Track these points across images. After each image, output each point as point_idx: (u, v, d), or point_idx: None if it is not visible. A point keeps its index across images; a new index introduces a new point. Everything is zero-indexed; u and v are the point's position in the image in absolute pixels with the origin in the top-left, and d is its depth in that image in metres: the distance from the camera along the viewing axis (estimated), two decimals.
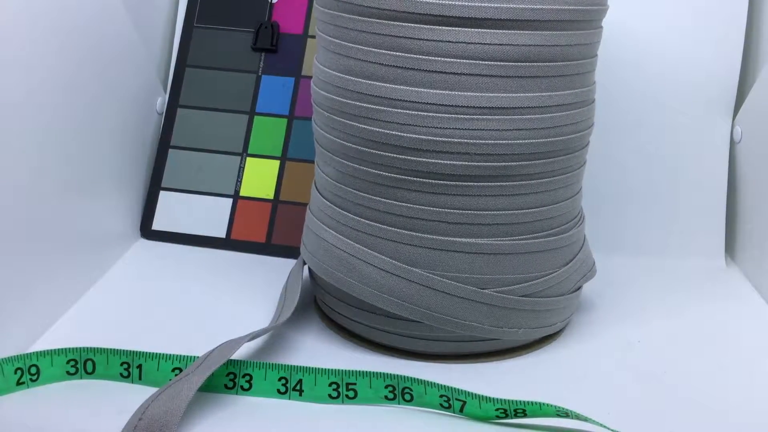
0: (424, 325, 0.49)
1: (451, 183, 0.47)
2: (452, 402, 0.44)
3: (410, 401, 0.45)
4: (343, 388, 0.45)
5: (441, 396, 0.44)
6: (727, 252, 0.67)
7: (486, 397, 0.44)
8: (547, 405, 0.43)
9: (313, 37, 0.69)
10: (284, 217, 0.66)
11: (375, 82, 0.47)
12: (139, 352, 0.47)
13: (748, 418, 0.46)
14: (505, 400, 0.43)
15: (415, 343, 0.51)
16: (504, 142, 0.47)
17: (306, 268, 0.59)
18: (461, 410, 0.44)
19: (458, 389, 0.44)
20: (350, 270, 0.50)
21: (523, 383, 0.49)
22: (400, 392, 0.45)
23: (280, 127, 0.68)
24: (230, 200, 0.67)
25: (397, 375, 0.45)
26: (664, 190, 0.67)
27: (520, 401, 0.43)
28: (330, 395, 0.45)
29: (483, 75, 0.46)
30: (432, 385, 0.45)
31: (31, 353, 0.46)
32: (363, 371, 0.45)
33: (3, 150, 0.49)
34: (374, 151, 0.48)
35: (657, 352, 0.53)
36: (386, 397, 0.45)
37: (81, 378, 0.47)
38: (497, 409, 0.44)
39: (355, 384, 0.45)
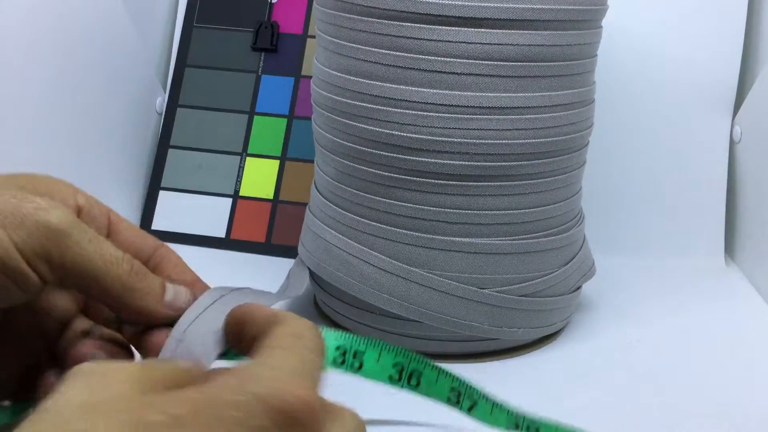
0: (424, 325, 0.49)
1: (451, 183, 0.47)
2: (462, 400, 0.41)
3: (416, 387, 0.40)
4: (350, 356, 0.40)
5: (451, 389, 0.40)
6: (727, 252, 0.67)
7: (499, 405, 0.41)
8: (564, 427, 0.40)
9: (313, 37, 0.69)
10: (284, 216, 0.66)
11: (375, 82, 0.47)
12: None
13: (748, 417, 0.46)
14: (519, 414, 0.40)
15: (415, 343, 0.51)
16: (504, 142, 0.47)
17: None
18: (469, 411, 0.41)
19: (473, 387, 0.40)
20: (350, 269, 0.50)
21: (523, 383, 0.49)
22: (407, 376, 0.40)
23: (279, 127, 0.68)
24: (230, 200, 0.67)
25: (410, 353, 0.40)
26: (664, 190, 0.67)
27: (535, 419, 0.40)
28: (335, 360, 0.40)
29: (483, 75, 0.46)
30: (446, 375, 0.40)
31: None
32: (375, 341, 0.39)
33: (3, 150, 0.49)
34: (374, 151, 0.48)
35: (657, 352, 0.53)
36: (390, 377, 0.40)
37: None
38: (508, 422, 0.41)
39: (363, 353, 0.39)
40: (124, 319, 0.33)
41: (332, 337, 0.39)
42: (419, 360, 0.40)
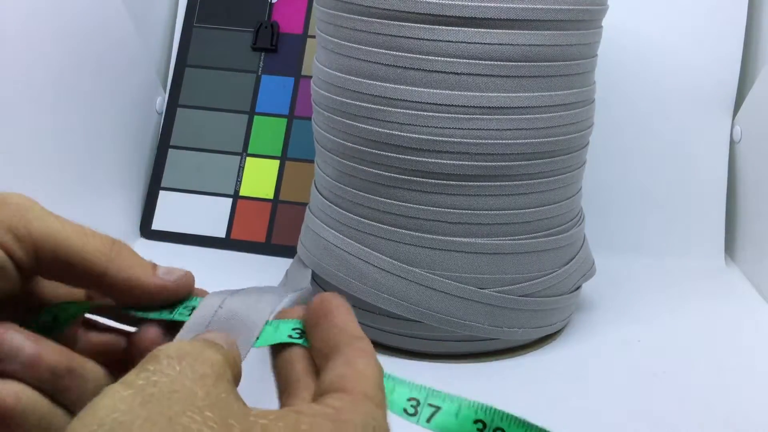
0: (424, 325, 0.49)
1: (451, 183, 0.47)
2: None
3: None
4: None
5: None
6: (727, 252, 0.67)
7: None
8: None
9: (313, 37, 0.69)
10: (284, 216, 0.66)
11: (375, 82, 0.47)
12: None
13: (748, 417, 0.46)
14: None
15: (415, 343, 0.51)
16: (504, 141, 0.47)
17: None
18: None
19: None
20: (350, 269, 0.50)
21: (523, 383, 0.49)
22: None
23: (279, 127, 0.68)
24: (230, 200, 0.67)
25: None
26: (664, 190, 0.67)
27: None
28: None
29: (483, 75, 0.46)
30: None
31: None
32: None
33: (3, 150, 0.49)
34: (374, 151, 0.48)
35: (657, 352, 0.53)
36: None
37: None
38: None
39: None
40: (117, 300, 0.30)
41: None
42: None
